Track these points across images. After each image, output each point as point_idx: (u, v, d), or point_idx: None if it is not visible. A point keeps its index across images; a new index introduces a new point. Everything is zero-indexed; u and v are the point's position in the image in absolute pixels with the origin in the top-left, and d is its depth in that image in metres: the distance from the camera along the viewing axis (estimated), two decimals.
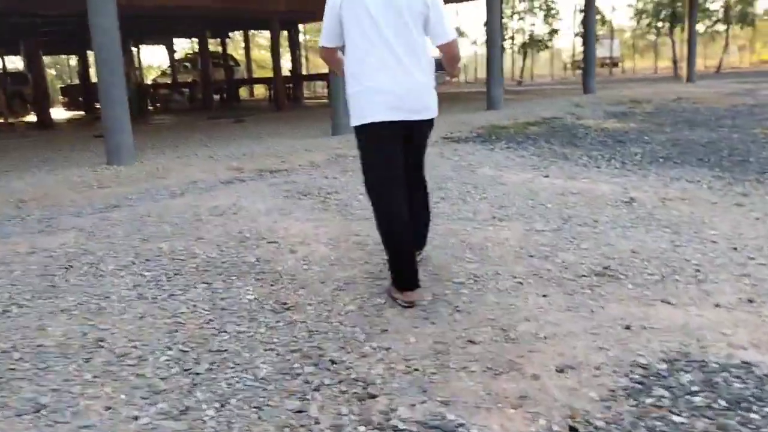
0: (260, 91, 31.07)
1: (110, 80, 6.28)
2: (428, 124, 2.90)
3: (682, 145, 6.76)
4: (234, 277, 3.14)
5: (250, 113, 14.82)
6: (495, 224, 3.97)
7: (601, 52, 43.96)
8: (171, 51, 24.36)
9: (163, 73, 29.79)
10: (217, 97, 21.15)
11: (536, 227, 3.90)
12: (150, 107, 20.55)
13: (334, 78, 8.54)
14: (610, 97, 12.86)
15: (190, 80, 26.80)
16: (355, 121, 2.81)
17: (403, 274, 2.82)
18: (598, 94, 13.70)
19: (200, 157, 7.12)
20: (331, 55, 3.00)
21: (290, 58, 22.73)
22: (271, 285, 3.06)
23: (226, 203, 4.44)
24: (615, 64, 44.14)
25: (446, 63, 2.97)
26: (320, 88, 30.76)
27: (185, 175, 5.81)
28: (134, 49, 26.34)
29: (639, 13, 29.35)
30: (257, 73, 37.84)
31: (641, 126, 8.26)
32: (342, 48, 2.92)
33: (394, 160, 2.81)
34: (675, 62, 25.64)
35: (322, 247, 3.58)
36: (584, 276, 3.14)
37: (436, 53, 3.00)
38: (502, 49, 13.61)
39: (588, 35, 13.70)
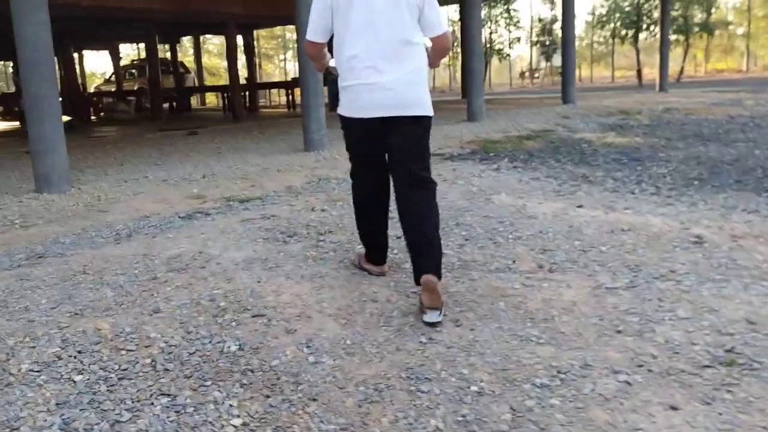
0: (212, 99, 29.73)
1: (39, 90, 5.16)
2: (417, 121, 2.78)
3: (707, 164, 6.03)
4: (209, 382, 2.16)
5: (204, 124, 13.68)
6: (548, 278, 3.08)
7: (556, 60, 44.26)
8: (116, 57, 22.88)
9: (107, 81, 28.15)
10: (166, 105, 19.86)
11: (603, 282, 3.02)
12: (93, 117, 19.09)
13: (306, 88, 7.56)
14: (593, 107, 12.22)
15: (136, 88, 25.41)
16: (341, 110, 2.85)
17: (373, 252, 3.10)
18: (579, 104, 13.07)
19: (152, 180, 6.04)
20: (319, 51, 2.89)
21: (244, 65, 21.62)
22: (267, 396, 2.09)
23: (189, 250, 3.43)
24: None
25: (434, 55, 2.90)
26: (275, 96, 29.61)
27: (133, 207, 4.75)
28: (75, 55, 24.78)
29: (600, 21, 29.20)
30: (208, 81, 36.40)
31: (648, 141, 7.55)
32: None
33: (374, 153, 2.91)
34: (639, 71, 25.50)
35: (330, 322, 2.61)
36: (708, 367, 2.27)
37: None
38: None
39: (567, 42, 13.06)
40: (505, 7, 28.99)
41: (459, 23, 21.08)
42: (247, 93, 19.67)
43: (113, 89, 24.19)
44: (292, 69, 57.28)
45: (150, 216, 4.42)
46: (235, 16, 13.75)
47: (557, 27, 36.62)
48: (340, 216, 4.14)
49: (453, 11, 23.26)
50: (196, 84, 26.04)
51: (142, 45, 25.41)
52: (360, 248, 3.25)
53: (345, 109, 2.82)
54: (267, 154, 7.72)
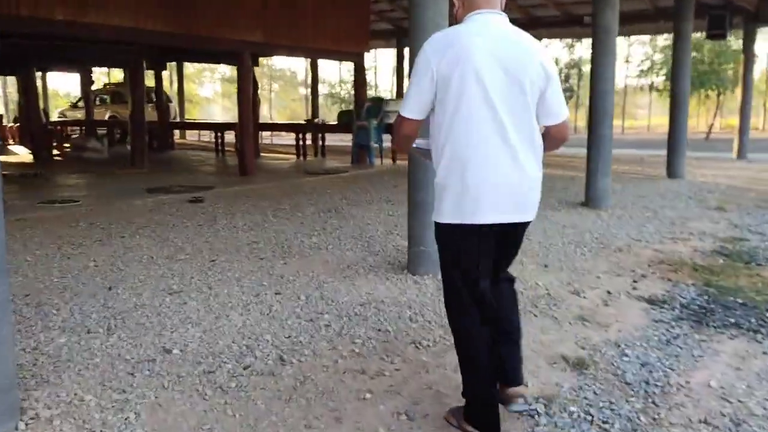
0: (192, 132, 26.60)
1: None
2: (526, 226, 2.45)
3: None
4: None
5: (205, 182, 10.83)
6: None
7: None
8: (88, 81, 19.80)
9: (73, 106, 24.94)
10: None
11: None
12: (56, 153, 15.93)
13: (417, 183, 4.80)
14: (719, 188, 9.70)
15: (107, 117, 22.33)
16: (446, 217, 2.34)
17: (480, 412, 2.43)
18: (688, 179, 10.56)
19: (177, 367, 3.16)
20: (416, 130, 2.40)
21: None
22: None
23: None
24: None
25: (548, 146, 2.42)
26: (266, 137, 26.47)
27: None
28: (38, 73, 21.74)
29: (649, 69, 27.28)
30: (189, 112, 33.48)
31: None
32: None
33: (486, 264, 2.41)
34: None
35: None
36: None
37: None
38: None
39: (679, 102, 10.56)
40: None
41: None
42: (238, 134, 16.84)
43: (81, 117, 21.10)
44: (276, 101, 54.55)
45: None
46: (252, 45, 11.01)
47: (574, 73, 34.83)
48: None
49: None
50: (177, 115, 23.11)
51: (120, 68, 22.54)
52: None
53: (454, 213, 2.30)
54: (349, 272, 4.88)
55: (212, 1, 10.20)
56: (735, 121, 45.35)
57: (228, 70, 54.96)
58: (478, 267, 2.37)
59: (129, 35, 9.45)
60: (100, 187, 9.93)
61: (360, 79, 13.86)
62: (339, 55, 13.27)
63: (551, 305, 4.12)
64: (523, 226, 2.43)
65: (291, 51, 12.39)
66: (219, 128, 16.53)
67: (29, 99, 14.20)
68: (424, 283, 4.55)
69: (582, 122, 41.16)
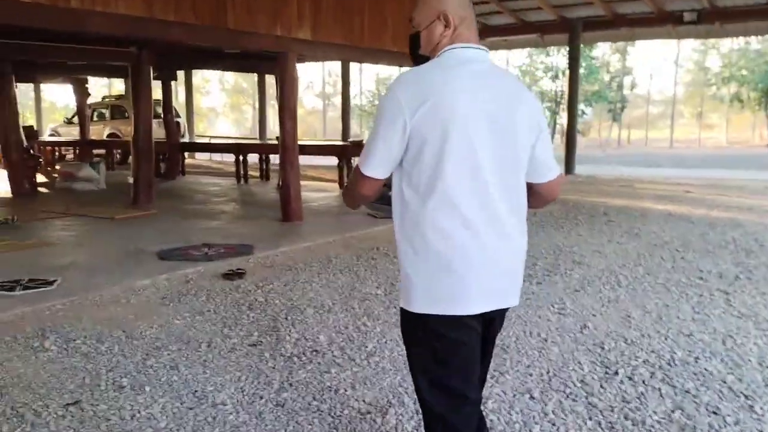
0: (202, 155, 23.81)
1: None
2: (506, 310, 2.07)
3: None
4: None
5: (234, 233, 8.12)
6: None
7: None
8: (83, 93, 17.03)
9: (68, 121, 22.22)
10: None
11: None
12: (42, 183, 13.21)
13: None
14: None
15: (106, 135, 19.71)
16: (422, 305, 1.85)
17: None
18: None
19: None
20: (376, 192, 1.93)
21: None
22: None
23: None
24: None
25: (536, 204, 2.04)
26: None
27: None
28: (27, 85, 19.12)
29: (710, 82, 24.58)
30: (195, 127, 30.87)
31: None
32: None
33: (474, 365, 1.95)
34: None
35: None
36: None
37: None
38: None
39: None
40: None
41: None
42: (263, 156, 14.16)
43: (76, 134, 18.37)
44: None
45: None
46: (299, 44, 8.28)
47: (627, 81, 32.12)
48: None
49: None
50: (186, 133, 20.39)
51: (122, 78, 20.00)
52: None
53: (431, 301, 1.84)
54: None
55: None
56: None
57: (232, 79, 52.14)
58: (469, 362, 1.90)
59: (136, 29, 6.69)
60: (91, 247, 7.13)
61: None
62: (402, 59, 10.53)
63: None
64: (504, 312, 2.03)
65: (344, 52, 9.65)
66: (242, 150, 13.78)
67: (5, 116, 11.46)
68: None
69: (623, 133, 38.36)
